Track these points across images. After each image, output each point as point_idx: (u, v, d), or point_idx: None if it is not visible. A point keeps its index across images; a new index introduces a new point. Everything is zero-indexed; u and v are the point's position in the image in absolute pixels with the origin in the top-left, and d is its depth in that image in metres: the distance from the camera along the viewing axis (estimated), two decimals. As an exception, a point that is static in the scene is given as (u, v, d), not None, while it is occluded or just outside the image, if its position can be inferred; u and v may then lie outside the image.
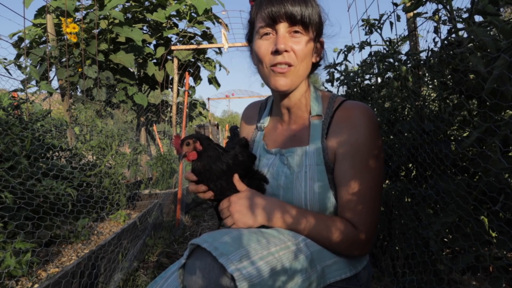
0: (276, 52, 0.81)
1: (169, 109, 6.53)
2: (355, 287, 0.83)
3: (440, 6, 1.22)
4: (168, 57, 5.63)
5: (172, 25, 6.04)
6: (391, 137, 1.61)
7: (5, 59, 2.69)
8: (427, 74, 1.45)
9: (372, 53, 1.85)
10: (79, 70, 4.22)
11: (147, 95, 6.04)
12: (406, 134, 1.48)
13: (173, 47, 4.60)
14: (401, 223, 1.50)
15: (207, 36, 6.22)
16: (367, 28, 1.94)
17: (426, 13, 1.41)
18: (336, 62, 2.23)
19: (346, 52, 2.13)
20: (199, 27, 5.75)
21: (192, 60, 5.86)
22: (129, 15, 5.70)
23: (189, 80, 5.17)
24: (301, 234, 0.80)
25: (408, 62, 1.56)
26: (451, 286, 1.30)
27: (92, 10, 4.73)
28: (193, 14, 5.78)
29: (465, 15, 1.19)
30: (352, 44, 2.07)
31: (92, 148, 2.68)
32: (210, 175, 0.82)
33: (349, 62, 2.21)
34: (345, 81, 2.14)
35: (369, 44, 1.96)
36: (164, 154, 4.68)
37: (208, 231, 2.99)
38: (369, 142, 0.81)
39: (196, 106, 7.21)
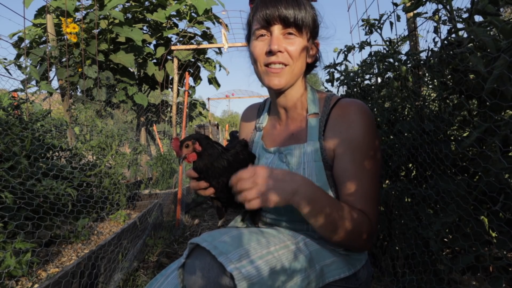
0: (270, 52, 0.84)
1: (169, 109, 6.53)
2: (354, 286, 0.83)
3: (440, 6, 1.22)
4: (168, 57, 5.63)
5: (172, 25, 6.04)
6: (391, 137, 1.61)
7: (5, 59, 2.69)
8: (427, 74, 1.45)
9: (372, 53, 1.85)
10: (79, 70, 4.22)
11: (147, 95, 6.04)
12: (406, 134, 1.48)
13: (173, 47, 4.60)
14: (401, 223, 1.50)
15: (207, 36, 6.22)
16: (367, 28, 1.94)
17: (426, 13, 1.41)
18: (336, 62, 2.23)
19: (346, 52, 2.13)
20: (199, 27, 5.75)
21: (192, 60, 5.86)
22: (129, 15, 5.71)
23: (189, 80, 5.17)
24: (319, 218, 0.74)
25: (408, 62, 1.56)
26: (451, 286, 1.30)
27: (92, 10, 4.73)
28: (193, 14, 5.78)
29: (465, 15, 1.19)
30: (352, 44, 2.07)
31: (92, 148, 2.68)
32: (212, 173, 0.83)
33: (349, 62, 2.21)
34: (345, 81, 2.14)
35: (369, 44, 1.96)
36: (164, 154, 4.68)
37: (208, 231, 2.98)
38: (367, 136, 0.83)
39: (196, 106, 7.21)
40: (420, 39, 1.87)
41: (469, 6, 1.15)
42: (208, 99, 13.84)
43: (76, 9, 4.63)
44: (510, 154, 0.94)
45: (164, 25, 5.86)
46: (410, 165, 1.52)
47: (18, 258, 1.44)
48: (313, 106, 0.93)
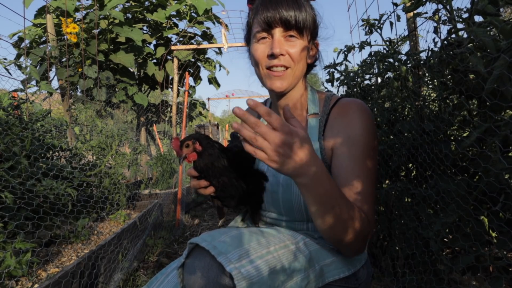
0: (272, 56, 0.84)
1: (169, 109, 6.53)
2: (354, 286, 0.83)
3: (440, 6, 1.22)
4: (168, 57, 5.63)
5: (172, 25, 6.04)
6: (391, 137, 1.61)
7: (5, 59, 2.69)
8: (427, 74, 1.45)
9: (372, 53, 1.85)
10: (79, 70, 4.22)
11: (147, 95, 6.04)
12: (406, 134, 1.48)
13: (173, 47, 4.61)
14: (401, 223, 1.50)
15: (207, 36, 6.22)
16: (367, 28, 1.94)
17: (426, 13, 1.41)
18: (336, 62, 2.24)
19: (346, 52, 2.13)
20: (199, 27, 5.76)
21: (192, 60, 5.86)
22: (129, 15, 5.71)
23: (189, 80, 5.17)
24: (328, 214, 0.69)
25: (408, 62, 1.56)
26: (451, 286, 1.30)
27: (92, 10, 4.73)
28: (193, 14, 5.79)
29: (465, 15, 1.19)
30: (352, 44, 2.07)
31: (92, 148, 2.68)
32: (212, 172, 0.83)
33: (349, 62, 2.21)
34: (345, 81, 2.14)
35: (369, 44, 1.96)
36: (164, 154, 4.68)
37: (208, 231, 2.98)
38: (366, 134, 0.83)
39: (196, 106, 7.21)
40: (420, 39, 1.87)
41: (469, 6, 1.15)
42: (208, 99, 13.84)
43: (76, 9, 4.63)
44: (510, 154, 0.94)
45: (164, 25, 5.86)
46: (410, 165, 1.52)
47: (18, 258, 1.44)
48: (313, 106, 0.93)
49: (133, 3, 5.57)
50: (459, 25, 1.16)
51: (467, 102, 1.11)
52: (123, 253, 1.92)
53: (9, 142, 1.75)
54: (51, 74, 4.25)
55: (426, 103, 1.44)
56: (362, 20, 1.97)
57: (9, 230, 1.50)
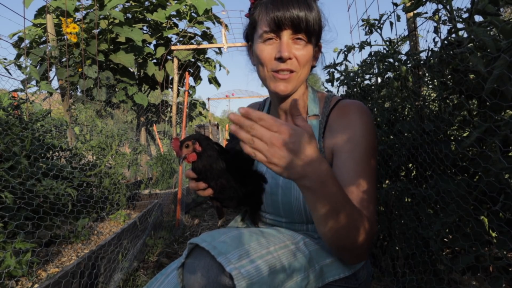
0: (280, 59, 0.82)
1: (169, 109, 6.53)
2: (354, 286, 0.83)
3: (440, 6, 1.22)
4: (168, 57, 5.63)
5: (172, 25, 6.05)
6: (391, 137, 1.61)
7: (5, 59, 2.69)
8: (427, 74, 1.45)
9: (372, 53, 1.85)
10: (79, 70, 4.22)
11: (147, 95, 6.05)
12: (406, 134, 1.48)
13: (173, 47, 4.60)
14: (401, 223, 1.50)
15: (207, 36, 6.22)
16: (367, 28, 1.94)
17: (426, 13, 1.41)
18: (336, 62, 2.24)
19: (346, 52, 2.13)
20: (199, 27, 5.76)
21: (192, 60, 5.86)
22: (129, 15, 5.71)
23: (189, 80, 5.17)
24: (332, 220, 0.66)
25: (408, 62, 1.56)
26: (451, 286, 1.30)
27: (92, 10, 4.73)
28: (193, 14, 5.79)
29: (465, 15, 1.19)
30: (352, 44, 2.07)
31: (92, 148, 2.68)
32: (211, 174, 0.83)
33: (349, 62, 2.21)
34: (345, 81, 2.14)
35: (369, 44, 1.96)
36: (164, 154, 4.68)
37: (208, 231, 2.98)
38: (366, 135, 0.82)
39: (196, 106, 7.21)
40: (420, 39, 1.87)
41: (469, 6, 1.15)
42: (208, 99, 13.84)
43: (76, 9, 4.63)
44: (510, 154, 0.94)
45: (164, 25, 5.87)
46: (410, 165, 1.52)
47: (18, 258, 1.44)
48: (313, 108, 0.93)
49: (133, 3, 5.57)
50: (459, 25, 1.16)
51: (467, 102, 1.11)
52: (123, 253, 1.92)
53: (9, 142, 1.75)
54: (51, 74, 4.25)
55: (426, 103, 1.44)
56: (362, 20, 1.97)
57: (9, 230, 1.50)
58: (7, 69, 2.79)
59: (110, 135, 2.87)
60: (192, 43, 6.12)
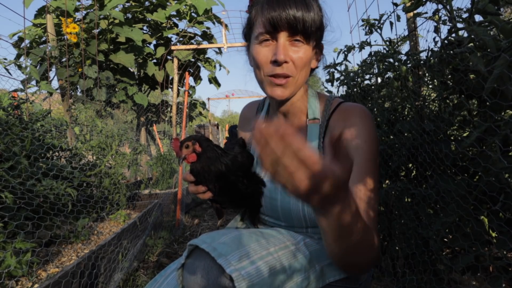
0: (275, 62, 0.79)
1: (169, 109, 6.53)
2: (354, 286, 0.82)
3: (440, 6, 1.22)
4: (168, 57, 5.63)
5: (172, 25, 6.05)
6: (391, 137, 1.61)
7: (5, 59, 2.69)
8: (427, 74, 1.45)
9: (372, 53, 1.85)
10: (79, 70, 4.22)
11: (147, 95, 6.05)
12: (406, 134, 1.48)
13: (173, 47, 4.60)
14: (401, 223, 1.50)
15: (207, 36, 6.22)
16: (367, 28, 1.94)
17: (426, 13, 1.41)
18: (336, 62, 2.24)
19: (346, 52, 2.13)
20: (199, 27, 5.76)
21: (192, 60, 5.86)
22: (129, 15, 5.71)
23: (189, 80, 5.17)
24: (344, 241, 0.60)
25: (408, 62, 1.56)
26: (451, 286, 1.30)
27: (92, 10, 4.73)
28: (193, 14, 5.79)
29: (465, 15, 1.19)
30: (352, 44, 2.07)
31: (92, 148, 2.68)
32: (209, 176, 0.82)
33: (349, 62, 2.21)
34: (345, 81, 2.14)
35: (369, 44, 1.96)
36: (164, 154, 4.68)
37: (208, 231, 3.00)
38: (368, 140, 0.80)
39: (196, 106, 7.21)
40: (420, 39, 1.87)
41: (469, 6, 1.15)
42: (208, 99, 13.84)
43: (76, 9, 4.63)
44: (510, 153, 0.94)
45: (164, 25, 5.86)
46: (410, 165, 1.52)
47: (18, 258, 1.44)
48: (313, 111, 0.90)
49: (133, 3, 5.57)
50: (459, 25, 1.16)
51: (467, 102, 1.11)
52: (123, 253, 1.92)
53: (9, 142, 1.75)
54: (51, 74, 4.25)
55: (426, 103, 1.44)
56: (362, 20, 1.97)
57: (9, 230, 1.50)
58: (7, 69, 2.79)
59: (110, 135, 2.87)
60: (192, 43, 6.12)
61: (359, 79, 2.05)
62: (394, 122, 1.61)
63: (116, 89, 5.10)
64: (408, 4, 1.50)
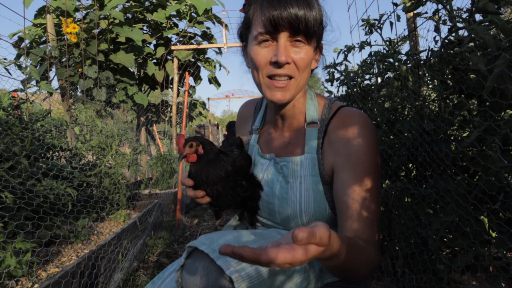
0: (276, 63, 0.75)
1: (169, 109, 6.53)
2: (353, 286, 0.82)
3: (440, 6, 1.22)
4: (168, 57, 5.63)
5: (172, 25, 6.05)
6: (391, 137, 1.61)
7: (5, 59, 2.69)
8: (427, 74, 1.45)
9: (372, 53, 1.85)
10: (79, 70, 4.22)
11: (147, 95, 6.05)
12: (406, 134, 1.48)
13: (173, 47, 4.61)
14: (401, 223, 1.50)
15: (207, 36, 6.22)
16: (367, 28, 1.94)
17: (426, 13, 1.41)
18: (336, 62, 2.24)
19: (346, 52, 2.13)
20: (199, 27, 5.76)
21: (192, 60, 5.86)
22: (129, 15, 5.71)
23: (189, 80, 5.17)
24: (345, 271, 0.66)
25: (408, 62, 1.56)
26: (450, 286, 1.30)
27: (92, 10, 4.73)
28: (193, 14, 5.79)
29: (465, 15, 1.19)
30: (352, 44, 2.07)
31: (92, 148, 2.68)
32: (207, 180, 0.82)
33: (349, 62, 2.21)
34: (345, 81, 2.14)
35: (369, 44, 1.96)
36: (164, 154, 4.68)
37: (208, 231, 3.00)
38: (369, 151, 0.77)
39: (196, 106, 7.21)
40: (420, 39, 1.87)
41: (469, 6, 1.15)
42: (208, 99, 13.85)
43: (76, 9, 4.63)
44: (510, 153, 0.94)
45: (164, 25, 5.86)
46: (410, 164, 1.52)
47: (18, 258, 1.44)
48: (312, 114, 0.87)
49: (133, 3, 5.57)
50: (459, 24, 1.16)
51: (467, 101, 1.11)
52: (123, 253, 1.92)
53: (9, 142, 1.75)
54: (51, 74, 4.25)
55: (426, 103, 1.44)
56: (362, 20, 1.97)
57: (9, 230, 1.50)
58: (7, 69, 2.79)
59: (110, 135, 2.87)
60: (192, 43, 6.12)
61: (359, 79, 2.05)
62: (394, 122, 1.61)
63: (116, 89, 5.10)
64: (408, 4, 1.50)
